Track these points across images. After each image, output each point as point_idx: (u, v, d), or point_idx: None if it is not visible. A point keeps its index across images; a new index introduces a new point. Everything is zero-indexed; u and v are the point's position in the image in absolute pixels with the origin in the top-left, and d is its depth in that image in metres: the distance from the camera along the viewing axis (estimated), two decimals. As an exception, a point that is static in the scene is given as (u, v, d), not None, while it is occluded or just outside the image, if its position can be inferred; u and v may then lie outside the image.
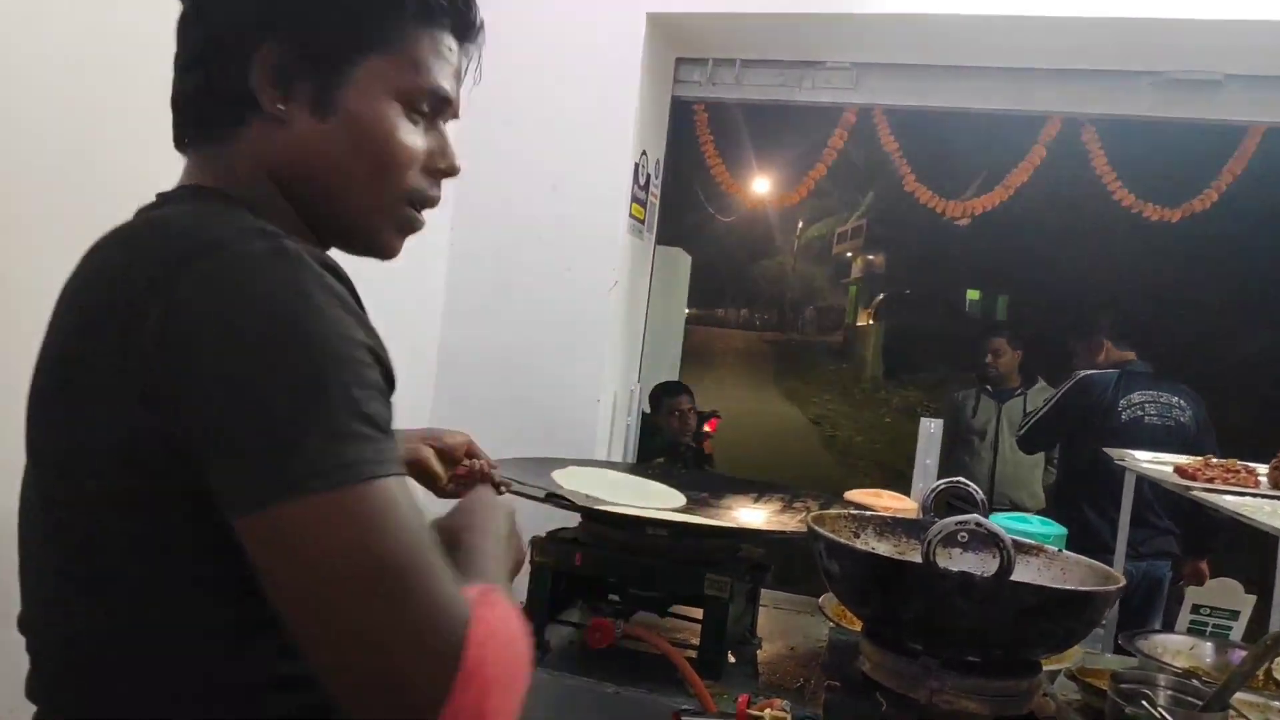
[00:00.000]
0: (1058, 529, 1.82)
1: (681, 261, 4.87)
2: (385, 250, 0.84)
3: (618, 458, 2.52)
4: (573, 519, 1.61)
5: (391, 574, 0.59)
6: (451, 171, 0.84)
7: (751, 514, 1.77)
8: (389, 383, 0.67)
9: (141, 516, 0.66)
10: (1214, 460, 1.71)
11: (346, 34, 0.76)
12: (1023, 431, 3.50)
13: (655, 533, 1.51)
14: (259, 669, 0.68)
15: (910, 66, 2.50)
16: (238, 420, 0.60)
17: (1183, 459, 1.87)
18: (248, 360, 0.61)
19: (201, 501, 0.63)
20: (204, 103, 0.76)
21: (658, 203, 2.66)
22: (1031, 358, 4.13)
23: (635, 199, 2.44)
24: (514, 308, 2.40)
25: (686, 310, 5.23)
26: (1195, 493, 1.41)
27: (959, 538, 1.24)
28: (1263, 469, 1.70)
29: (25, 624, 0.75)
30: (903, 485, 2.14)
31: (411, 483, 0.80)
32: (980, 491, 1.42)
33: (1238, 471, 1.52)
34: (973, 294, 20.25)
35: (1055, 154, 2.60)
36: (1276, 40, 2.09)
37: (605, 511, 1.54)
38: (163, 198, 0.78)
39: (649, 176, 2.54)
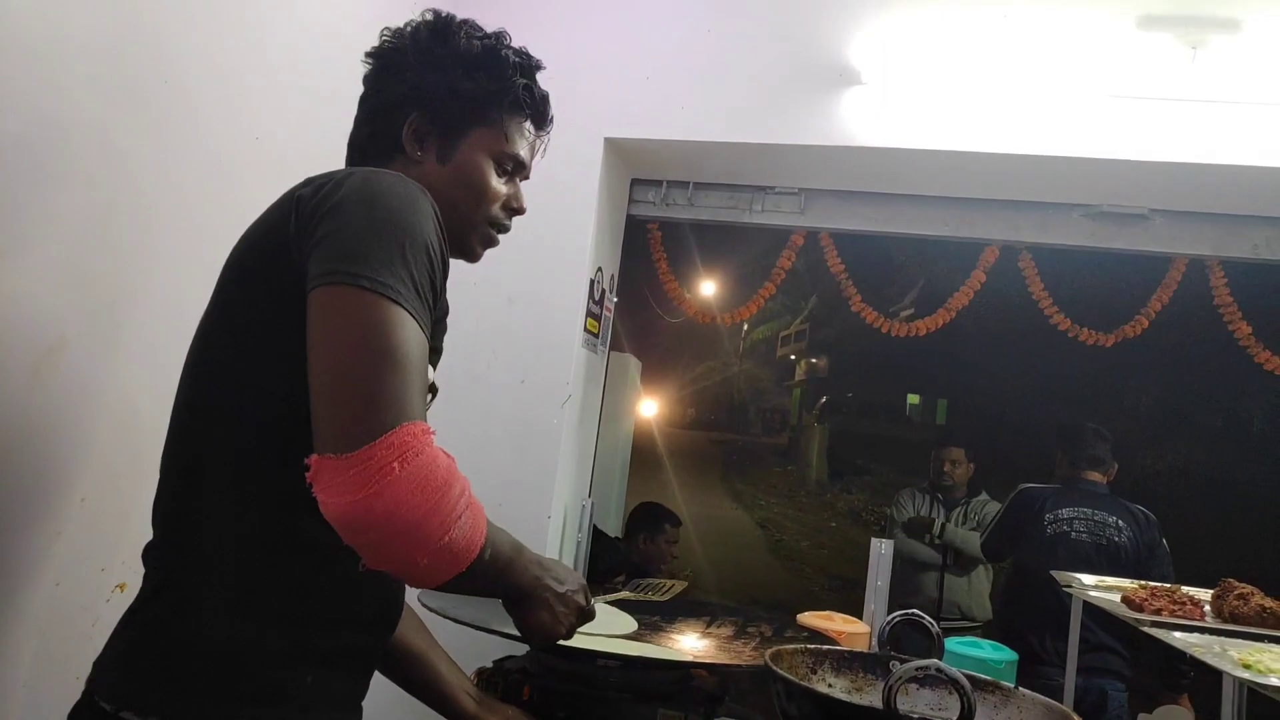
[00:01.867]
0: (1009, 654, 1.82)
1: (632, 367, 4.88)
2: (470, 256, 1.21)
3: (566, 574, 2.46)
4: (520, 646, 1.56)
5: (377, 354, 0.85)
6: (521, 210, 1.22)
7: (703, 641, 1.73)
8: (442, 279, 0.98)
9: (273, 310, 0.96)
10: (1157, 587, 1.73)
11: (465, 113, 1.15)
12: (981, 540, 3.61)
13: (607, 664, 1.47)
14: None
15: (855, 194, 2.60)
16: (338, 239, 0.90)
17: (1126, 583, 1.89)
18: (363, 214, 0.91)
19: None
20: (369, 146, 1.16)
21: (612, 316, 2.69)
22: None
23: (590, 314, 2.46)
24: (467, 418, 2.37)
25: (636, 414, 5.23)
26: (1146, 628, 1.42)
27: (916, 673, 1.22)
28: (1204, 594, 1.72)
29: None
30: (851, 593, 2.12)
31: None
32: (935, 624, 1.41)
33: (1183, 603, 1.54)
34: (913, 398, 20.68)
35: (994, 277, 2.70)
36: (1194, 180, 2.23)
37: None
38: None
39: (604, 292, 2.57)
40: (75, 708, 0.98)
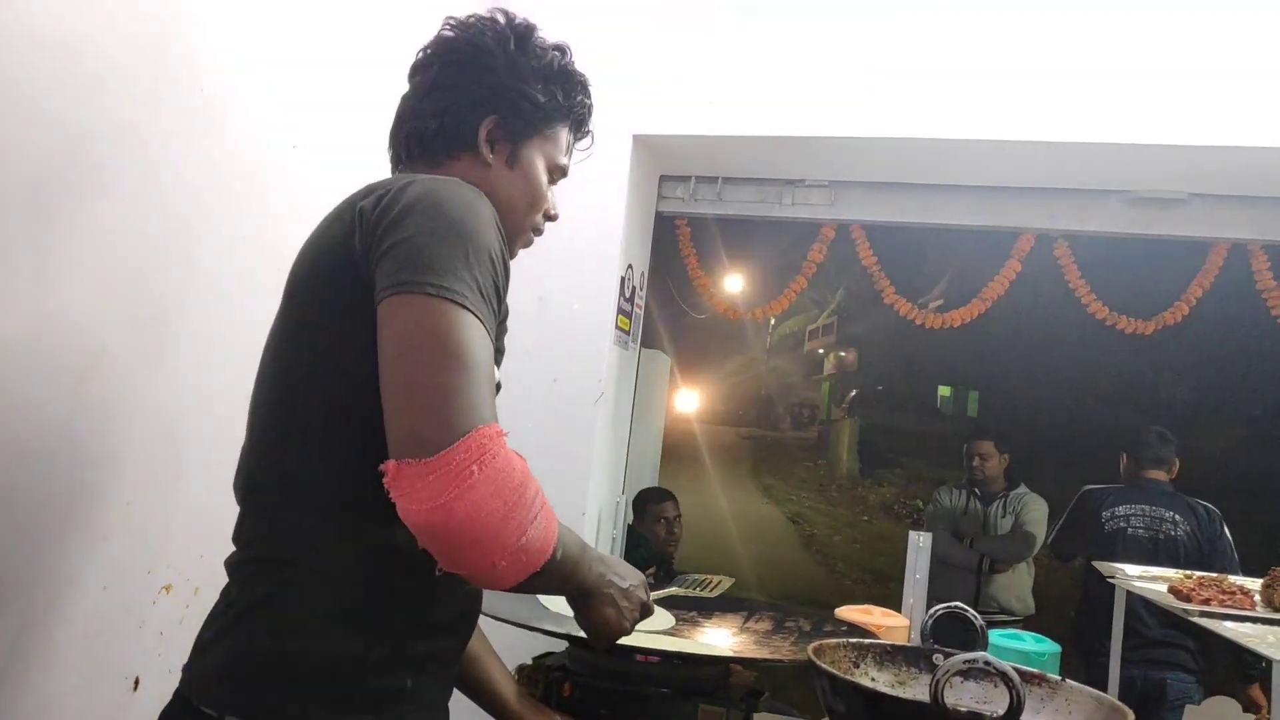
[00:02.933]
0: (1051, 646, 1.79)
1: (662, 363, 4.87)
2: (509, 257, 1.18)
3: (602, 571, 2.47)
4: (560, 643, 1.56)
5: (448, 359, 0.86)
6: (555, 217, 1.26)
7: (741, 636, 1.72)
8: (505, 281, 1.00)
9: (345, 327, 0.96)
10: (1204, 577, 1.70)
11: (536, 122, 1.18)
12: (1049, 541, 3.69)
13: (647, 660, 1.47)
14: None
15: (886, 184, 2.57)
16: (404, 249, 0.91)
17: (1171, 572, 1.86)
18: (426, 222, 0.93)
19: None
20: (435, 140, 1.16)
21: (642, 313, 2.69)
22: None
23: (621, 311, 2.46)
24: (501, 417, 2.37)
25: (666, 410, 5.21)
26: (1195, 618, 1.39)
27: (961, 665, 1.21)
28: (1254, 584, 1.69)
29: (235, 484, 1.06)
30: (884, 587, 2.10)
31: None
32: (979, 617, 1.40)
33: (1232, 592, 1.51)
34: (944, 390, 20.48)
35: (1029, 267, 2.67)
36: (1235, 164, 2.18)
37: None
38: None
39: (634, 289, 2.57)
40: (169, 709, 1.01)
